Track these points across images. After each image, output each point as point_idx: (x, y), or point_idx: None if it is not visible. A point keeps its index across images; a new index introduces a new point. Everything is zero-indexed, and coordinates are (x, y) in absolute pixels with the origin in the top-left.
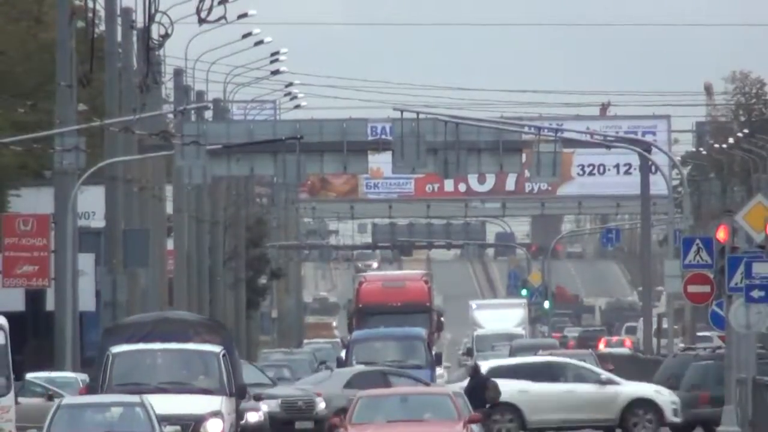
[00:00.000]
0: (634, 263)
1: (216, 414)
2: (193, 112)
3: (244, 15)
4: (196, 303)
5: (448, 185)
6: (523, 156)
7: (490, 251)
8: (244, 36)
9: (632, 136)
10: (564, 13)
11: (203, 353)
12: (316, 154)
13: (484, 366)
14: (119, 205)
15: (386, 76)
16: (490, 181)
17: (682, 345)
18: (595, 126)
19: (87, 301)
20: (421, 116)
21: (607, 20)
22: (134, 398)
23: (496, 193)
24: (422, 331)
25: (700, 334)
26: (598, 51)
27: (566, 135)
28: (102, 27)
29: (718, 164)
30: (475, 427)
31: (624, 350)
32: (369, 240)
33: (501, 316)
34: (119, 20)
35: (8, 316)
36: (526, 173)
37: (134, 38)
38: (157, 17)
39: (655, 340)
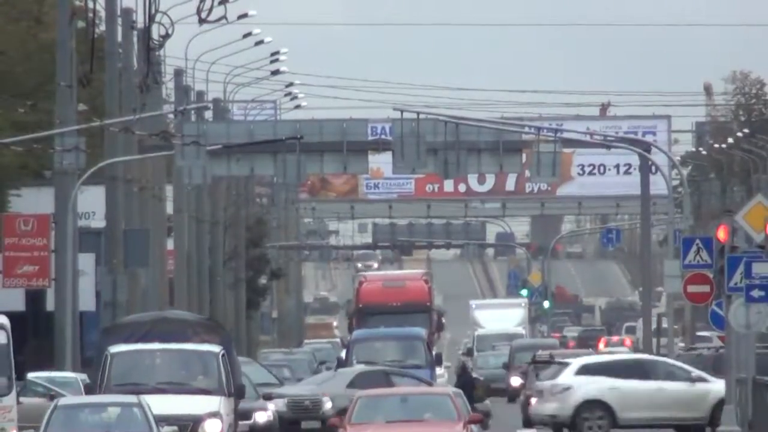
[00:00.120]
0: (634, 263)
1: (214, 414)
2: (193, 112)
3: (244, 15)
4: (196, 303)
5: (448, 185)
6: (523, 156)
7: (490, 251)
8: (244, 36)
9: (632, 136)
10: (564, 13)
11: (202, 353)
12: (316, 154)
13: (576, 363)
14: (119, 205)
15: (386, 76)
16: (490, 181)
17: (681, 345)
18: (595, 126)
19: (87, 301)
20: (421, 116)
21: (607, 20)
22: (132, 398)
23: (496, 193)
24: (422, 331)
25: (699, 334)
26: (598, 51)
27: (566, 135)
28: (102, 27)
29: (718, 164)
30: (474, 427)
31: (624, 350)
32: (369, 240)
33: (501, 316)
34: (119, 20)
35: (8, 316)
36: (526, 173)
37: (134, 38)
38: (158, 17)
39: (654, 340)
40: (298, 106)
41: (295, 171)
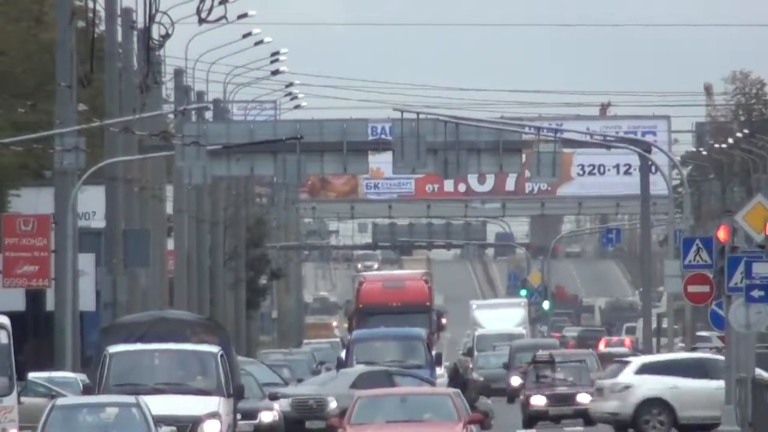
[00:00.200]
0: (634, 263)
1: (213, 415)
2: (193, 112)
3: (244, 15)
4: (196, 303)
5: (448, 185)
6: (523, 156)
7: (490, 251)
8: (244, 36)
9: (632, 136)
10: (564, 13)
11: (201, 354)
12: (316, 154)
13: (636, 362)
14: (119, 205)
15: (386, 76)
16: (490, 181)
17: (681, 345)
18: (595, 126)
19: (87, 301)
20: (421, 116)
21: (607, 20)
22: (130, 399)
23: (496, 193)
24: (422, 331)
25: (699, 334)
26: (598, 51)
27: (566, 135)
28: (102, 27)
29: (718, 164)
30: (474, 427)
31: (624, 350)
32: (369, 240)
33: (501, 316)
34: (119, 20)
35: (8, 316)
36: (526, 173)
37: (134, 38)
38: (158, 17)
39: (654, 340)
40: (298, 106)
41: (295, 171)
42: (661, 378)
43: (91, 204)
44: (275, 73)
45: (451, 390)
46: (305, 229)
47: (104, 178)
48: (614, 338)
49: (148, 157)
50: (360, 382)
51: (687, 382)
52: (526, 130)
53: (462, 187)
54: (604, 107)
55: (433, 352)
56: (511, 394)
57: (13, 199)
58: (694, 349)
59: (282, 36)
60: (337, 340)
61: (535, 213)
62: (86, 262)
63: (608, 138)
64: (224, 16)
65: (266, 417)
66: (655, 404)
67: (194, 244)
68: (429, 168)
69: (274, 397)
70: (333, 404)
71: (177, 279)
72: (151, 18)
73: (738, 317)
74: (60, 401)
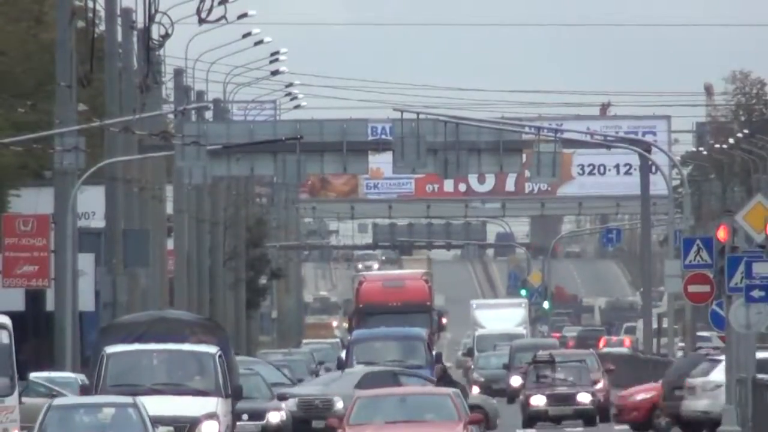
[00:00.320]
0: (634, 263)
1: (211, 416)
2: (193, 112)
3: (244, 15)
4: (196, 303)
5: (448, 185)
6: (523, 156)
7: (490, 251)
8: (244, 36)
9: (632, 136)
10: (564, 13)
11: (199, 354)
12: (316, 154)
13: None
14: (119, 205)
15: (386, 76)
16: (490, 181)
17: (681, 345)
18: (595, 126)
19: (87, 301)
20: (421, 116)
21: (607, 20)
22: (127, 399)
23: (496, 193)
24: (422, 331)
25: (699, 333)
26: (598, 51)
27: (566, 135)
28: (102, 27)
29: (718, 164)
30: (474, 428)
31: (623, 350)
32: (369, 240)
33: (502, 316)
34: (119, 20)
35: (8, 316)
36: (526, 173)
37: (134, 38)
38: (157, 17)
39: (654, 340)
40: (298, 106)
41: (295, 171)
42: None
43: (91, 204)
44: (275, 73)
45: (451, 390)
46: (305, 229)
47: (104, 178)
48: (614, 338)
49: (147, 157)
50: (365, 382)
51: None
52: (526, 130)
53: (462, 187)
54: (604, 107)
55: (434, 352)
56: (511, 395)
57: (13, 199)
58: (697, 349)
59: (282, 36)
60: (337, 340)
61: (535, 213)
62: (86, 262)
63: (608, 138)
64: (224, 16)
65: (274, 418)
66: None
67: (194, 244)
68: (429, 168)
69: (282, 398)
70: (339, 404)
71: (177, 279)
72: (151, 18)
73: (738, 317)
74: (57, 401)
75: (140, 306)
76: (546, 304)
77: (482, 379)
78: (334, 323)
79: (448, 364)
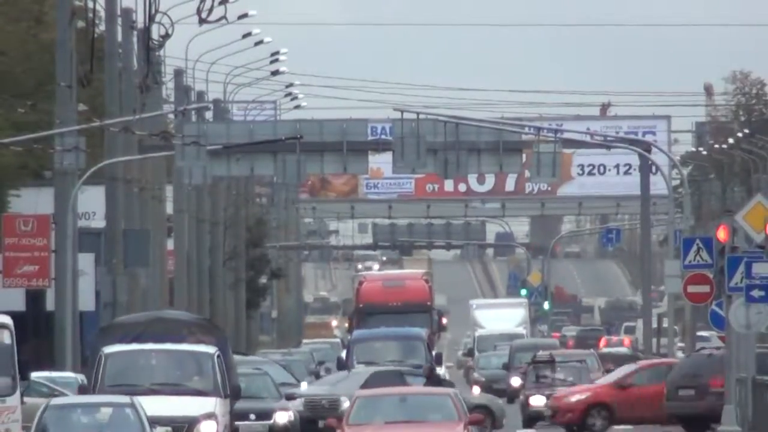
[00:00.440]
0: (634, 263)
1: (210, 416)
2: (193, 112)
3: (244, 15)
4: (196, 303)
5: (448, 185)
6: (523, 156)
7: (490, 251)
8: (244, 36)
9: (632, 136)
10: (564, 13)
11: (197, 354)
12: (316, 154)
13: None
14: (119, 206)
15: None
16: (490, 181)
17: (681, 345)
18: (595, 126)
19: (87, 301)
20: (421, 116)
21: (608, 20)
22: (124, 399)
23: (496, 193)
24: (422, 331)
25: (699, 333)
26: (598, 51)
27: (566, 135)
28: (102, 27)
29: (718, 164)
30: (474, 428)
31: (623, 350)
32: (369, 240)
33: (502, 316)
34: (119, 20)
35: (8, 316)
36: (526, 173)
37: (134, 38)
38: (158, 17)
39: (654, 340)
40: (298, 106)
41: (295, 171)
42: None
43: (91, 204)
44: (275, 73)
45: (452, 390)
46: (305, 229)
47: (104, 178)
48: (614, 338)
49: (148, 157)
50: (372, 382)
51: None
52: (526, 130)
53: (462, 187)
54: (604, 107)
55: (434, 352)
56: (511, 395)
57: (13, 199)
58: (700, 350)
59: (282, 36)
60: (337, 340)
61: (535, 213)
62: (86, 262)
63: (608, 138)
64: (224, 16)
65: (281, 418)
66: None
67: (194, 244)
68: (429, 168)
69: (291, 398)
70: (346, 404)
71: (177, 279)
72: (151, 18)
73: (738, 317)
74: (54, 401)
75: (140, 306)
76: (546, 305)
77: (483, 379)
78: (334, 323)
79: (448, 364)
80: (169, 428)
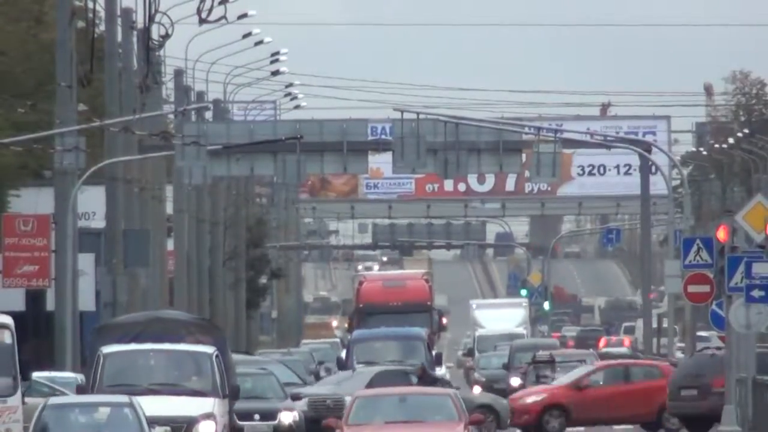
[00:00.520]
0: (634, 263)
1: (208, 416)
2: (193, 112)
3: (244, 15)
4: (196, 303)
5: (448, 185)
6: (523, 156)
7: (490, 251)
8: (244, 36)
9: (632, 136)
10: (564, 13)
11: (196, 354)
12: (316, 154)
13: None
14: (119, 206)
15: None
16: (490, 181)
17: (681, 345)
18: (596, 126)
19: (87, 301)
20: (421, 116)
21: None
22: (123, 398)
23: (495, 193)
24: (422, 331)
25: (699, 333)
26: (598, 51)
27: (566, 135)
28: (102, 27)
29: (718, 164)
30: (473, 428)
31: (623, 350)
32: (369, 240)
33: (502, 316)
34: (119, 20)
35: (9, 316)
36: (526, 173)
37: (134, 38)
38: (157, 17)
39: (654, 340)
40: (297, 107)
41: (295, 171)
42: None
43: (91, 204)
44: (275, 73)
45: (452, 390)
46: (305, 229)
47: (104, 178)
48: (614, 338)
49: (148, 157)
50: (377, 382)
51: None
52: (526, 130)
53: (462, 187)
54: (604, 107)
55: (434, 352)
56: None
57: (13, 199)
58: (703, 350)
59: (282, 36)
60: (337, 340)
61: (535, 213)
62: (86, 262)
63: (608, 138)
64: (224, 16)
65: (286, 418)
66: None
67: (194, 244)
68: (429, 168)
69: (296, 398)
70: None
71: (177, 279)
72: (151, 18)
73: (738, 317)
74: (52, 400)
75: (140, 306)
76: (546, 305)
77: (484, 380)
78: (334, 323)
79: (448, 364)
80: (168, 428)
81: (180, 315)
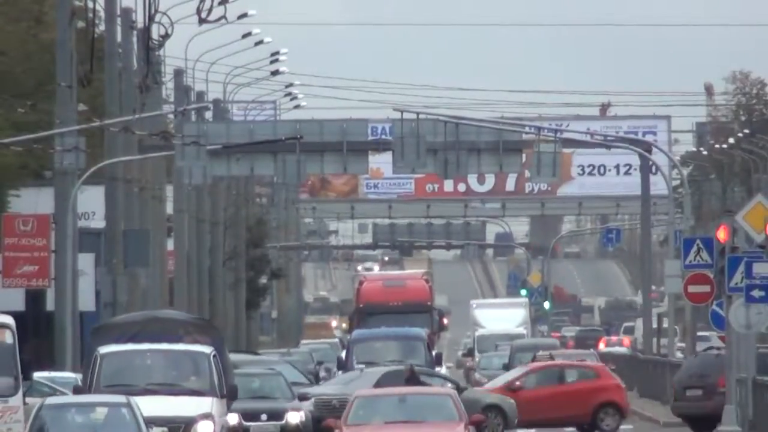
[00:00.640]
0: (634, 263)
1: (207, 416)
2: (193, 112)
3: (244, 15)
4: (196, 303)
5: (448, 185)
6: (523, 156)
7: (490, 251)
8: (244, 36)
9: (632, 136)
10: (564, 13)
11: (193, 354)
12: (316, 154)
13: None
14: (119, 206)
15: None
16: (490, 181)
17: (681, 345)
18: (596, 126)
19: (87, 301)
20: (421, 116)
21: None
22: (120, 398)
23: (495, 193)
24: (422, 331)
25: (699, 333)
26: (598, 51)
27: (566, 135)
28: (102, 27)
29: (718, 164)
30: (473, 428)
31: (623, 350)
32: (369, 240)
33: (502, 316)
34: (119, 20)
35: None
36: (526, 173)
37: (134, 38)
38: (157, 17)
39: (654, 340)
40: (297, 107)
41: (295, 171)
42: None
43: (91, 204)
44: (275, 73)
45: (452, 390)
46: (305, 229)
47: (104, 178)
48: (613, 338)
49: (148, 157)
50: (385, 382)
51: None
52: (526, 130)
53: (462, 187)
54: (604, 107)
55: (434, 352)
56: None
57: (13, 199)
58: (708, 349)
59: (282, 36)
60: (336, 340)
61: (535, 213)
62: (86, 262)
63: (608, 138)
64: (224, 16)
65: (293, 418)
66: None
67: (194, 244)
68: (429, 168)
69: (303, 398)
70: None
71: (177, 279)
72: (151, 18)
73: (738, 317)
74: (49, 400)
75: (141, 306)
76: (546, 305)
77: (485, 380)
78: (334, 323)
79: (448, 364)
80: (166, 428)
81: (177, 315)
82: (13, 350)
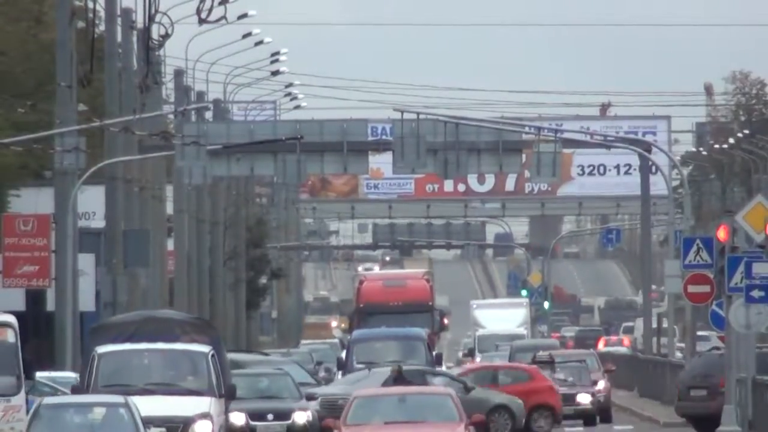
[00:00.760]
0: (634, 263)
1: (205, 416)
2: (193, 112)
3: (244, 15)
4: (196, 303)
5: (448, 185)
6: (523, 156)
7: (490, 251)
8: (244, 36)
9: (632, 136)
10: (564, 13)
11: (191, 353)
12: (316, 154)
13: None
14: (119, 206)
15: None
16: (490, 181)
17: (681, 345)
18: (595, 126)
19: (87, 301)
20: (421, 117)
21: (608, 20)
22: (118, 398)
23: (495, 193)
24: (423, 332)
25: (699, 333)
26: (598, 51)
27: (566, 135)
28: (102, 27)
29: (718, 164)
30: (473, 428)
31: (622, 349)
32: (369, 240)
33: (503, 316)
34: (119, 20)
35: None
36: (526, 173)
37: (134, 38)
38: (157, 17)
39: (654, 340)
40: (298, 107)
41: (295, 171)
42: None
43: (91, 204)
44: (275, 73)
45: (452, 390)
46: (305, 229)
47: (104, 178)
48: (613, 338)
49: (148, 157)
50: (392, 381)
51: None
52: (526, 130)
53: (462, 187)
54: (604, 107)
55: (434, 352)
56: None
57: (13, 199)
58: (712, 349)
59: (282, 36)
60: (336, 340)
61: (535, 213)
62: (86, 262)
63: (608, 138)
64: (224, 17)
65: (300, 418)
66: None
67: (194, 244)
68: (429, 168)
69: (311, 398)
70: None
71: (177, 279)
72: (151, 18)
73: (738, 317)
74: (46, 400)
75: (140, 306)
76: (546, 305)
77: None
78: (333, 323)
79: (448, 365)
80: (164, 428)
81: (175, 314)
82: (15, 349)
